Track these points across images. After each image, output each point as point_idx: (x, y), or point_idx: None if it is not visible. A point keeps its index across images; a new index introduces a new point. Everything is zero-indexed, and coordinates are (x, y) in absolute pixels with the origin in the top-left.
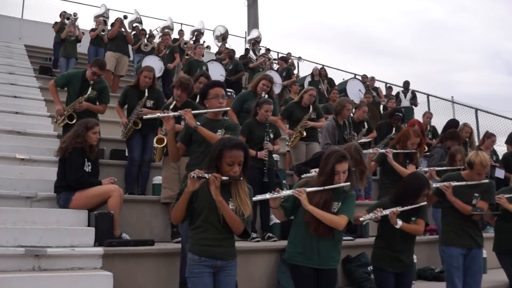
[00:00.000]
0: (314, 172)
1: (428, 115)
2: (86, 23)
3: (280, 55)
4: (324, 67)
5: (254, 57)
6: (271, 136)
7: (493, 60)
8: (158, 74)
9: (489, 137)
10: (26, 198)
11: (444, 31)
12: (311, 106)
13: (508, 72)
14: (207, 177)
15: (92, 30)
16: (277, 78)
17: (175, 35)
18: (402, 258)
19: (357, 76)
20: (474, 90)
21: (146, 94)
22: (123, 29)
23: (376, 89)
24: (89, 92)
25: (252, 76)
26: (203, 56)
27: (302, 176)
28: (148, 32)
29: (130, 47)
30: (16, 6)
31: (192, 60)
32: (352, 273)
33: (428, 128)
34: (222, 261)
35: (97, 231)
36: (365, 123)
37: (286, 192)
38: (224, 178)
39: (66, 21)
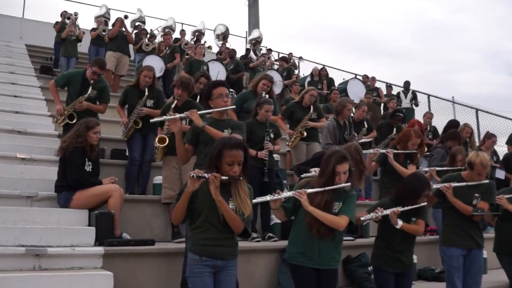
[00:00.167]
0: (313, 171)
1: (428, 116)
2: (87, 22)
3: (281, 55)
4: (325, 67)
5: (254, 57)
6: (272, 136)
7: (493, 60)
8: (158, 74)
9: (490, 137)
10: (27, 197)
11: (444, 31)
12: (311, 106)
13: (508, 72)
14: (207, 177)
15: (93, 29)
16: (277, 78)
17: (176, 35)
18: (402, 258)
19: (357, 76)
20: (475, 91)
21: (146, 93)
22: (123, 29)
23: (377, 89)
24: (89, 92)
25: (253, 76)
26: (204, 56)
27: (302, 175)
28: (149, 31)
29: (131, 46)
30: (17, 5)
31: (193, 60)
32: (353, 273)
33: (429, 128)
34: (222, 261)
35: (97, 230)
36: (365, 123)
37: (286, 194)
38: (224, 177)
39: (67, 21)
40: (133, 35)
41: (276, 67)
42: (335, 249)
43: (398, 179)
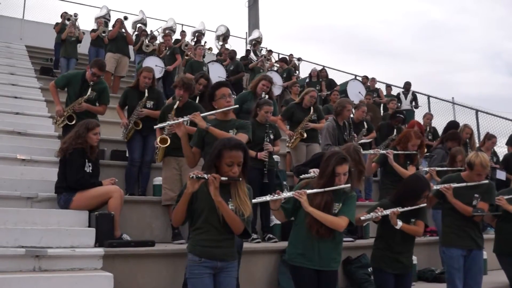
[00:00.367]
0: (312, 172)
1: (428, 116)
2: (87, 24)
3: (280, 56)
4: (325, 68)
5: (255, 58)
6: (271, 137)
7: (493, 60)
8: (158, 75)
9: (490, 138)
10: (27, 198)
11: (444, 32)
12: (312, 108)
13: (508, 73)
14: (206, 178)
15: (93, 31)
16: (277, 79)
17: (176, 36)
18: (402, 259)
19: (357, 77)
20: (475, 91)
21: (146, 94)
22: (123, 30)
23: (377, 90)
24: (88, 93)
25: (253, 77)
26: (204, 57)
27: (301, 176)
28: (149, 33)
29: (130, 47)
30: (17, 6)
31: (193, 61)
32: (353, 274)
33: (428, 129)
34: (222, 262)
35: (97, 231)
36: (365, 123)
37: (286, 194)
38: (223, 178)
39: (67, 22)
40: (134, 36)
41: (275, 68)
42: (335, 250)
43: (398, 180)
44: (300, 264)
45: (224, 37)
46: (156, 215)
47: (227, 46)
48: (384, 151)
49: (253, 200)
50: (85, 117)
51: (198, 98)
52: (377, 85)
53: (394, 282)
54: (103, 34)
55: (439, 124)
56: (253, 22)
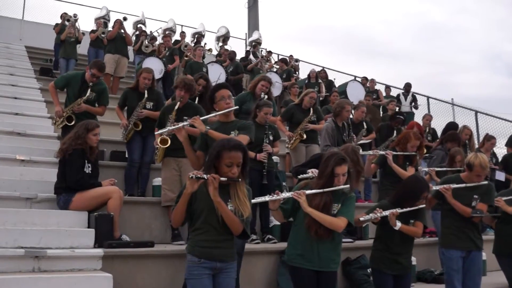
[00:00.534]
0: (311, 172)
1: (428, 117)
2: (87, 24)
3: (280, 57)
4: (324, 69)
5: (254, 59)
6: (271, 138)
7: (493, 62)
8: (158, 76)
9: (489, 139)
10: (26, 199)
11: (444, 33)
12: (311, 109)
13: (508, 74)
14: (206, 178)
15: (92, 31)
16: (277, 80)
17: (176, 37)
18: (401, 260)
19: (357, 78)
20: (474, 92)
21: (146, 95)
22: (122, 31)
23: (376, 91)
24: (88, 94)
25: (253, 78)
26: (204, 58)
27: (299, 176)
28: (149, 33)
29: (129, 48)
30: (16, 7)
31: (192, 62)
32: (352, 275)
33: (428, 130)
34: (221, 263)
35: (97, 232)
36: (364, 124)
37: (285, 194)
38: (223, 179)
39: (67, 23)
40: (134, 37)
41: (275, 69)
42: (334, 250)
43: (397, 181)
44: (299, 265)
45: (224, 38)
46: (155, 215)
47: (226, 47)
48: (383, 152)
49: (252, 201)
50: (85, 118)
51: (197, 99)
52: (377, 86)
53: (393, 283)
54: (102, 35)
55: (438, 125)
56: (253, 23)
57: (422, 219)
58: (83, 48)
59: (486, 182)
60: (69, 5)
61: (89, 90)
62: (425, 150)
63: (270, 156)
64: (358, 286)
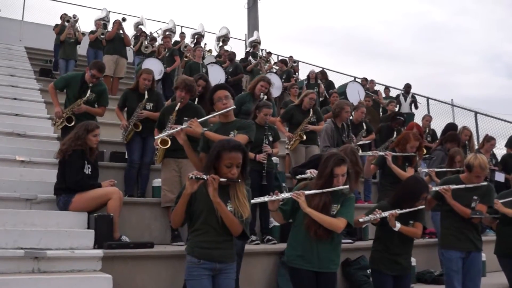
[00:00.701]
0: (309, 173)
1: (427, 118)
2: (86, 25)
3: (280, 58)
4: (324, 70)
5: (253, 61)
6: (270, 139)
7: (493, 62)
8: (158, 76)
9: (489, 140)
10: (26, 200)
11: (444, 33)
12: (311, 110)
13: (508, 75)
14: (205, 178)
15: (92, 32)
16: (276, 80)
17: (176, 37)
18: (400, 261)
19: (357, 79)
20: (474, 93)
21: (146, 96)
22: (121, 31)
23: (376, 92)
24: (88, 95)
25: (252, 79)
26: (203, 58)
27: (298, 177)
28: (148, 34)
29: (128, 49)
30: (16, 8)
31: (192, 63)
32: (352, 276)
33: (427, 131)
34: (221, 264)
35: (96, 233)
36: (364, 125)
37: (284, 195)
38: (222, 179)
39: (67, 24)
40: (133, 38)
41: (274, 70)
42: (334, 251)
43: (396, 182)
44: (299, 266)
45: (224, 39)
46: (155, 216)
47: (226, 47)
48: (382, 153)
49: (252, 201)
50: (84, 119)
51: (197, 99)
52: (376, 87)
53: (393, 284)
54: (102, 37)
55: (438, 126)
56: (253, 24)
57: (421, 220)
58: (82, 49)
59: (485, 183)
60: (69, 6)
61: (89, 91)
62: (424, 151)
63: (269, 157)
64: (358, 287)
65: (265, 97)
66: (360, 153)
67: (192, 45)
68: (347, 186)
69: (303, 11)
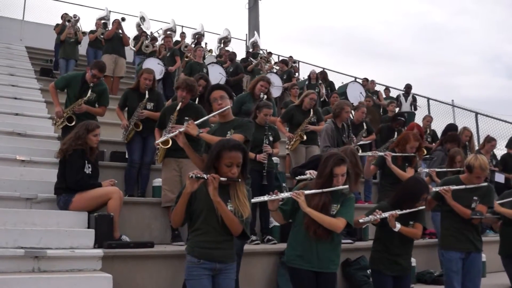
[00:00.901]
0: (309, 173)
1: (428, 119)
2: (87, 25)
3: (280, 58)
4: (325, 70)
5: (254, 61)
6: (271, 139)
7: (493, 63)
8: (158, 76)
9: (490, 141)
10: (26, 199)
11: (444, 34)
12: (311, 110)
13: (508, 76)
14: (206, 178)
15: (91, 32)
16: (277, 80)
17: (177, 37)
18: (400, 261)
19: (357, 80)
20: (474, 94)
21: (147, 96)
22: (120, 31)
23: (376, 93)
24: (88, 95)
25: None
26: (204, 58)
27: (297, 178)
28: (149, 34)
29: (127, 49)
30: (17, 7)
31: (192, 62)
32: (352, 276)
33: (428, 131)
34: (221, 264)
35: (96, 233)
36: (364, 125)
37: (284, 194)
38: (223, 179)
39: (67, 23)
40: (133, 38)
41: (275, 70)
42: (334, 251)
43: (396, 182)
44: (299, 266)
45: (224, 40)
46: (155, 216)
47: (227, 48)
48: (382, 153)
49: (252, 200)
50: (85, 119)
51: (197, 99)
52: (376, 87)
53: (393, 284)
54: (101, 36)
55: (438, 126)
56: (253, 24)
57: (421, 220)
58: (82, 49)
59: (485, 184)
60: (70, 6)
61: (89, 91)
62: (424, 151)
63: (270, 157)
64: (358, 287)
65: (265, 96)
66: (360, 153)
67: (193, 45)
68: (347, 186)
69: (303, 11)
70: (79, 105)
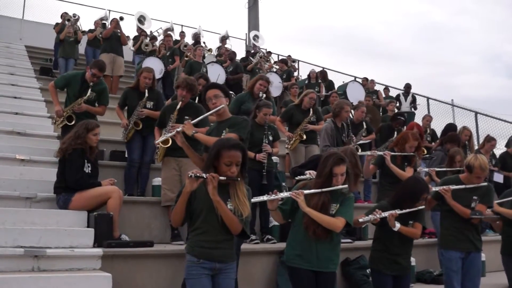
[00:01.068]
0: (308, 174)
1: (428, 118)
2: (86, 24)
3: (280, 58)
4: (325, 69)
5: (254, 60)
6: (270, 138)
7: (493, 63)
8: (158, 75)
9: (489, 141)
10: (26, 198)
11: (444, 34)
12: (311, 109)
13: (508, 75)
14: (205, 177)
15: (90, 31)
16: (276, 80)
17: (176, 37)
18: (400, 261)
19: (357, 79)
20: (474, 93)
21: (146, 95)
22: (118, 30)
23: (376, 92)
24: (88, 94)
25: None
26: (204, 58)
27: (297, 178)
28: (148, 33)
29: (125, 48)
30: (17, 6)
31: (192, 62)
32: (351, 275)
33: (428, 131)
34: (221, 263)
35: (96, 232)
36: (364, 124)
37: (283, 194)
38: (222, 178)
39: (67, 23)
40: (133, 38)
41: (274, 69)
42: (333, 251)
43: (396, 182)
44: (298, 265)
45: (222, 39)
46: (155, 215)
47: (226, 46)
48: (381, 153)
49: (251, 200)
50: (85, 118)
51: (197, 98)
52: (376, 87)
53: (393, 284)
54: (100, 35)
55: (438, 126)
56: (253, 23)
57: (421, 220)
58: (81, 48)
59: (485, 184)
60: (69, 5)
61: (89, 90)
62: (424, 151)
63: (269, 156)
64: (358, 286)
65: (264, 95)
66: (360, 152)
67: (193, 45)
68: (346, 186)
69: (303, 10)
70: (79, 104)
